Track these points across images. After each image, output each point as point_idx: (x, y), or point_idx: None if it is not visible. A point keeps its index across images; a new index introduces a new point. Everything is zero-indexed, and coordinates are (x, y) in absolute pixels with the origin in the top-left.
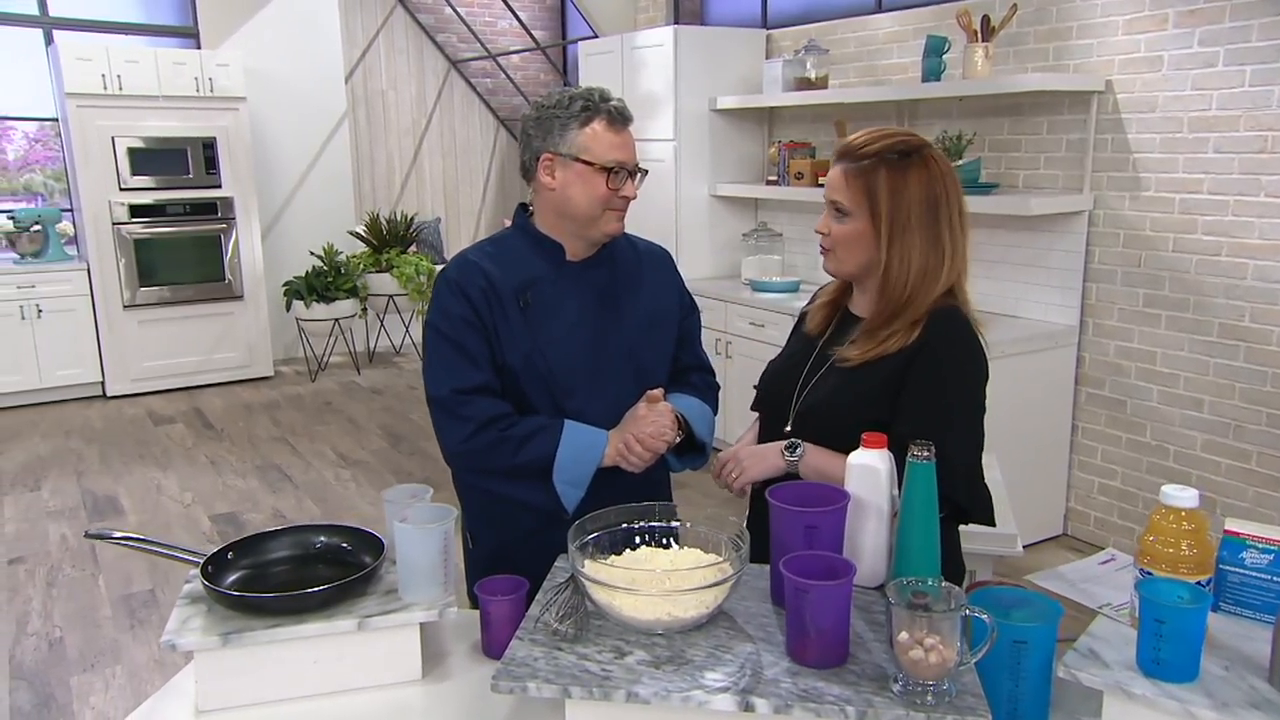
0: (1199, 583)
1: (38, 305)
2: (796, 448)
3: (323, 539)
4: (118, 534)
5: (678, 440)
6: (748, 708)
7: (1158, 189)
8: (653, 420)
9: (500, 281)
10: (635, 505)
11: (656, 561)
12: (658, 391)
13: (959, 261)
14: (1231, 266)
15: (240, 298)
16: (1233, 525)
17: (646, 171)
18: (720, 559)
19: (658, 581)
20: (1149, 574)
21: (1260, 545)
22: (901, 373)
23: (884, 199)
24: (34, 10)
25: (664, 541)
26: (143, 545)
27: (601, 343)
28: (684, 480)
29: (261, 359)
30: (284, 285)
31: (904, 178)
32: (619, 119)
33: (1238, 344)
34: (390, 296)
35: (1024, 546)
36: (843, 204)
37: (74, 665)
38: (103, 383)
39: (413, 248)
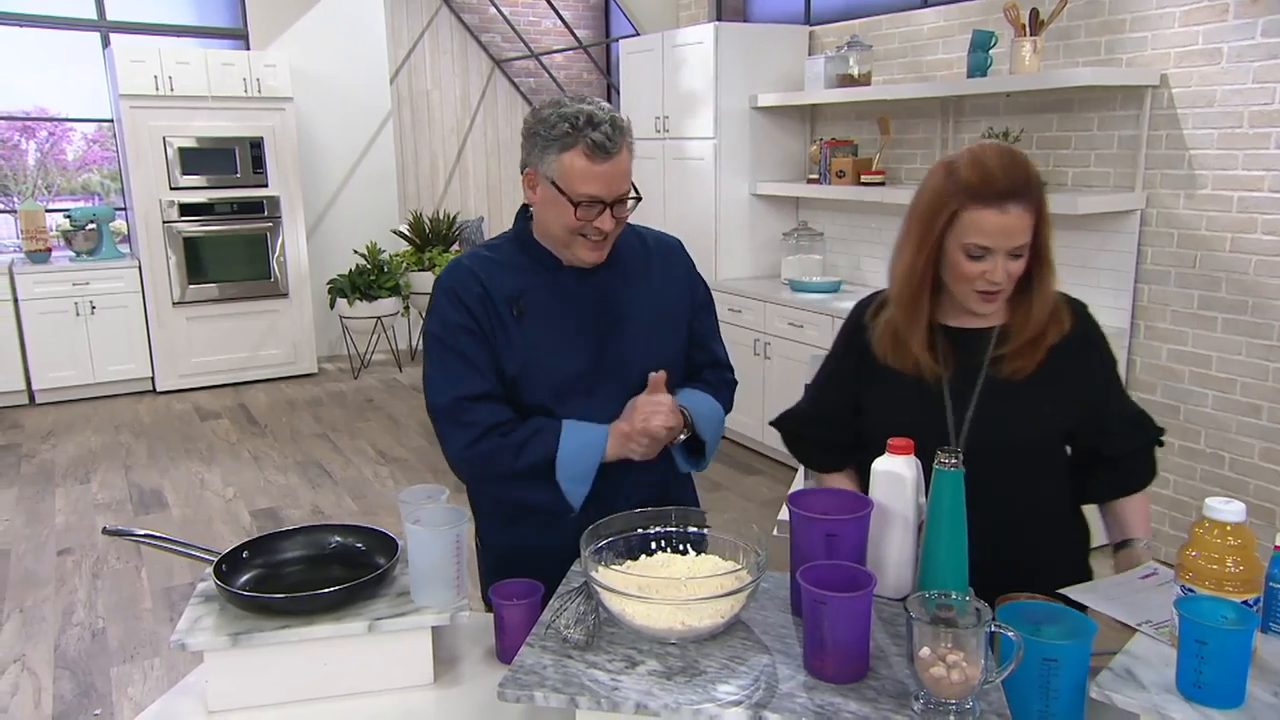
0: (1246, 602)
1: (91, 302)
2: (1134, 544)
3: (337, 539)
4: (138, 531)
5: (682, 435)
6: None
7: (1215, 186)
8: (649, 405)
9: (494, 289)
10: (652, 509)
11: (673, 568)
12: (660, 375)
13: None
14: None
15: (286, 295)
16: None
17: (639, 198)
18: (739, 567)
19: (671, 589)
20: (1191, 591)
21: None
22: (1072, 362)
23: (1045, 215)
24: (93, 14)
25: (681, 548)
26: (160, 543)
27: (601, 351)
28: (719, 481)
29: (306, 356)
30: (328, 283)
31: (1042, 186)
32: (599, 151)
33: None
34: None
35: None
36: (1027, 244)
37: (115, 656)
38: (153, 378)
39: (455, 246)
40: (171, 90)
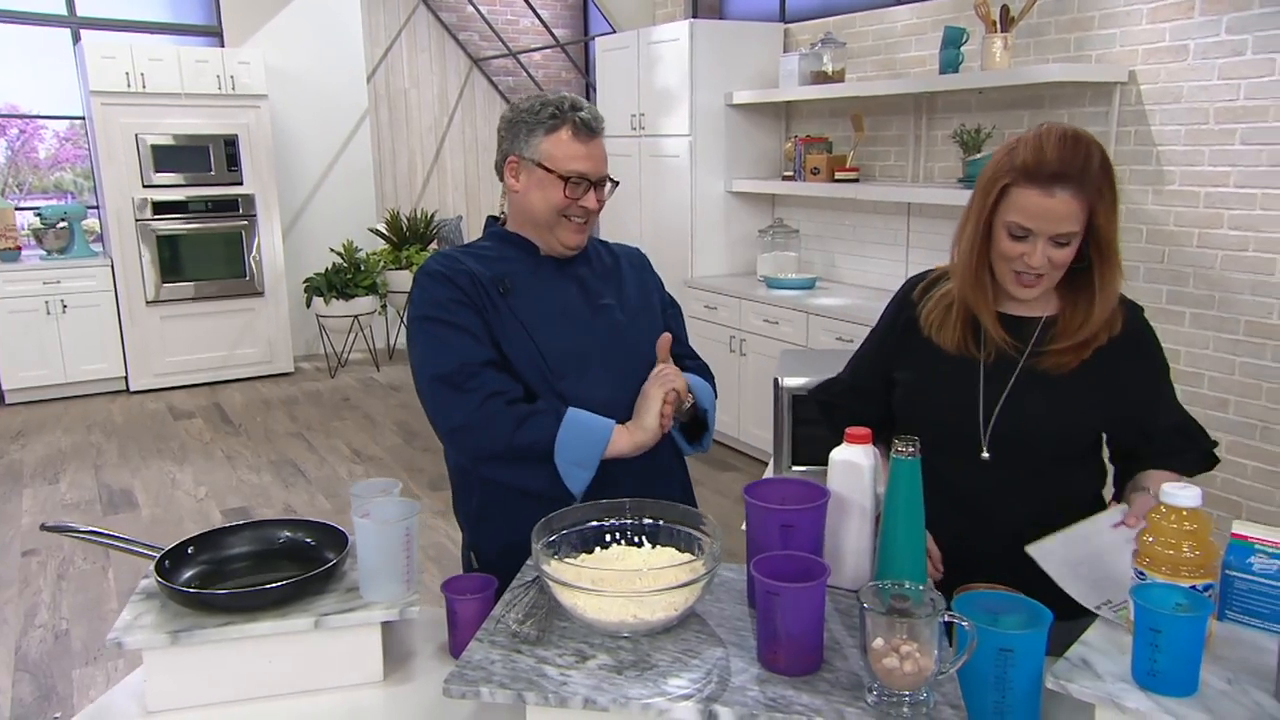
0: (1200, 587)
1: (62, 301)
2: None
3: (287, 534)
4: (80, 527)
5: (686, 403)
6: (711, 716)
7: (1182, 182)
8: (661, 374)
9: (480, 274)
10: (607, 502)
11: (628, 561)
12: (666, 336)
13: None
14: (1259, 262)
15: (261, 294)
16: (1240, 528)
17: (617, 183)
18: (693, 559)
19: (624, 582)
20: (1144, 576)
21: (1269, 550)
22: (1117, 364)
23: (1104, 205)
24: (63, 10)
25: (637, 540)
26: (101, 539)
27: (589, 328)
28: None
29: (282, 355)
30: (305, 282)
31: (1110, 172)
32: (585, 129)
33: (1265, 342)
34: (409, 293)
35: None
36: (1075, 231)
37: (77, 658)
38: (126, 378)
39: (433, 245)
40: (144, 87)
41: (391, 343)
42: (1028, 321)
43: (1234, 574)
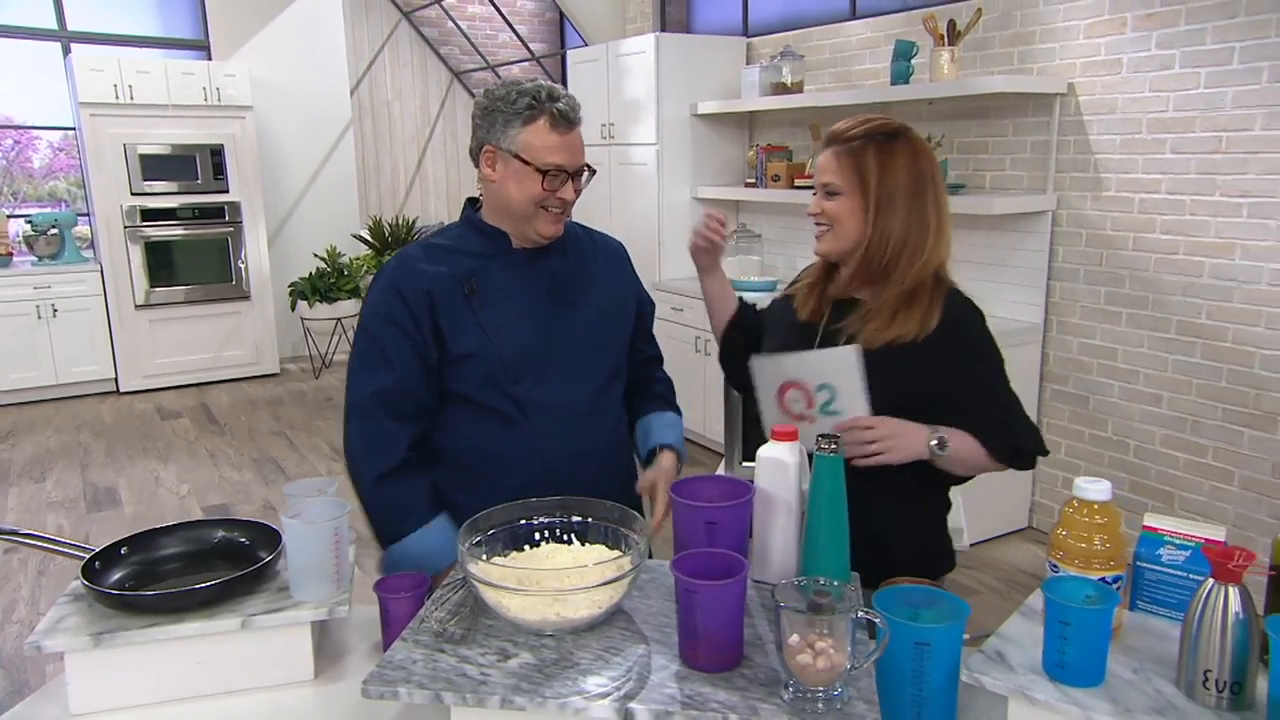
0: (1109, 579)
1: (53, 305)
2: (945, 445)
3: (222, 534)
4: (4, 526)
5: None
6: (627, 714)
7: (1118, 189)
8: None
9: (443, 276)
10: (537, 500)
11: (558, 559)
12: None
13: (944, 241)
14: (1188, 265)
15: (248, 298)
16: (1152, 521)
17: (594, 172)
18: (619, 555)
19: (550, 581)
20: (1057, 569)
21: (1178, 541)
22: (933, 355)
23: (872, 175)
24: (53, 25)
25: (565, 538)
26: (25, 540)
27: (553, 329)
28: None
29: (268, 357)
30: (289, 286)
31: (890, 155)
32: (562, 121)
33: (1194, 341)
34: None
35: (992, 538)
36: (834, 184)
37: (53, 654)
38: (115, 379)
39: None
40: (131, 99)
41: None
42: (851, 303)
43: (1144, 565)
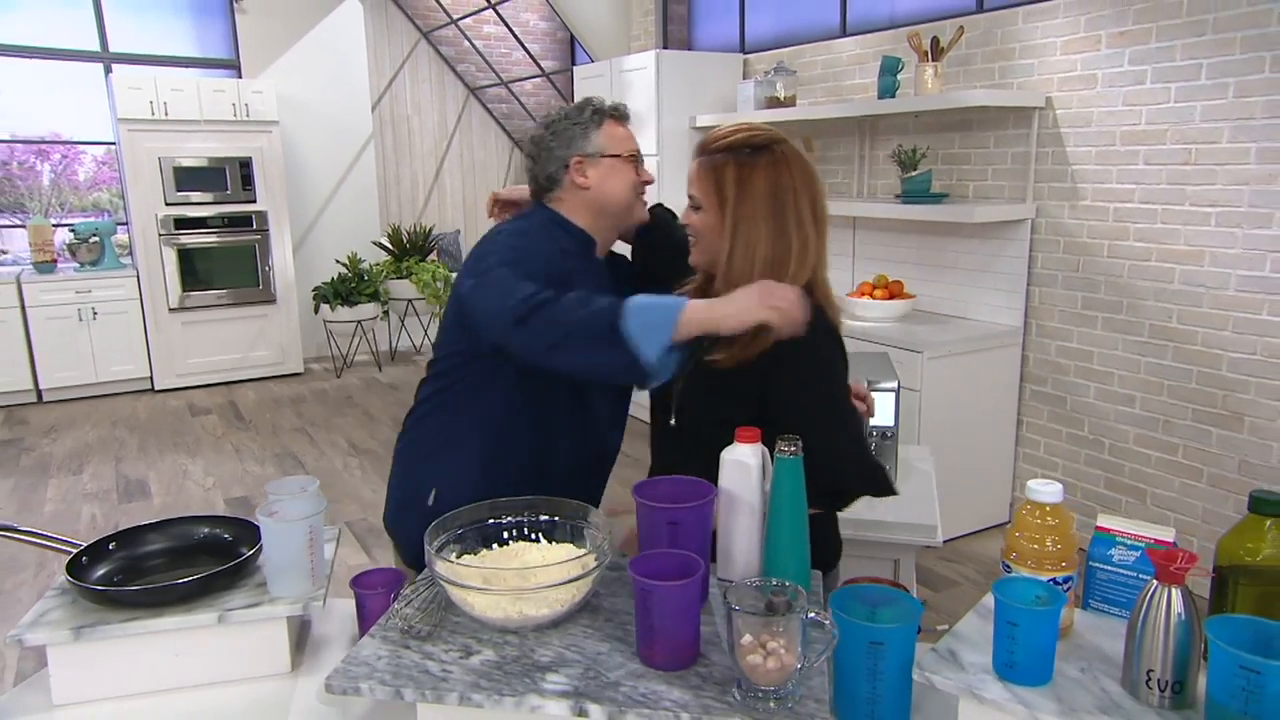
0: (1060, 579)
1: (93, 309)
2: None
3: (206, 530)
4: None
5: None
6: (581, 712)
7: (1094, 199)
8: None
9: (554, 260)
10: (506, 500)
11: (526, 557)
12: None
13: (810, 256)
14: (1160, 271)
15: (274, 301)
16: (1105, 521)
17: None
18: (582, 554)
19: (511, 579)
20: (1010, 569)
21: (1129, 542)
22: (768, 371)
23: (730, 190)
24: (96, 47)
25: (534, 536)
26: (18, 536)
27: None
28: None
29: (293, 357)
30: (313, 290)
31: (750, 171)
32: (623, 117)
33: (1166, 344)
34: (409, 300)
35: (973, 533)
36: (695, 197)
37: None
38: (151, 378)
39: (431, 256)
40: (166, 115)
41: (394, 345)
42: None
43: (1096, 565)
